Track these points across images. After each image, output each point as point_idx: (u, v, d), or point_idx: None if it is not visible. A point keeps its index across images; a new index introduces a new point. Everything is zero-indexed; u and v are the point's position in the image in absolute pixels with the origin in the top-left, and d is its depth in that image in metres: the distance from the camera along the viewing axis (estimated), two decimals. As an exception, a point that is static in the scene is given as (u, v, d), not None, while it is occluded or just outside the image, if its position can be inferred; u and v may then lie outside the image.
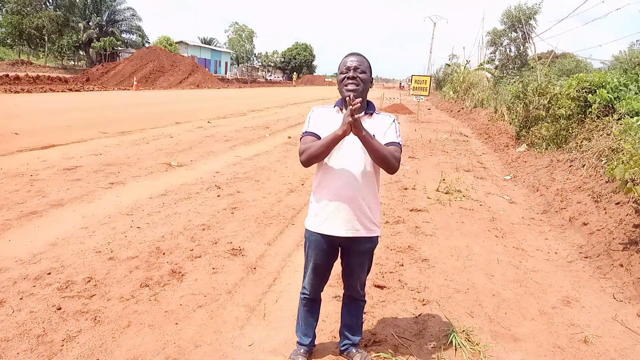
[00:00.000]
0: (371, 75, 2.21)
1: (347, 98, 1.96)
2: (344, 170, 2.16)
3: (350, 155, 2.15)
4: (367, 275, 2.45)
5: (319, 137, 2.16)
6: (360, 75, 2.14)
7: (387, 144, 2.15)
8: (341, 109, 2.20)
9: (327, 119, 2.21)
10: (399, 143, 2.18)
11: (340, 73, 2.19)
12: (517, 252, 4.41)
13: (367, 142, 2.01)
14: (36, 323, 2.63)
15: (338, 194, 2.17)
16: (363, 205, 2.20)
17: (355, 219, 2.19)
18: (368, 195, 2.21)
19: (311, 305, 2.49)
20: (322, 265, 2.33)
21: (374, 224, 2.27)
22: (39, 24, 41.39)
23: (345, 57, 2.21)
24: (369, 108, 2.24)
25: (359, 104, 1.92)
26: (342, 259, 2.37)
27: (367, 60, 2.21)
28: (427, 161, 9.04)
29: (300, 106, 22.53)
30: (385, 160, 2.07)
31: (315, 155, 2.11)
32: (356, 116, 1.92)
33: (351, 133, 2.00)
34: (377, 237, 2.33)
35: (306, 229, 2.33)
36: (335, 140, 2.04)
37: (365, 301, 2.56)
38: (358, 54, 2.21)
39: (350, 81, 2.13)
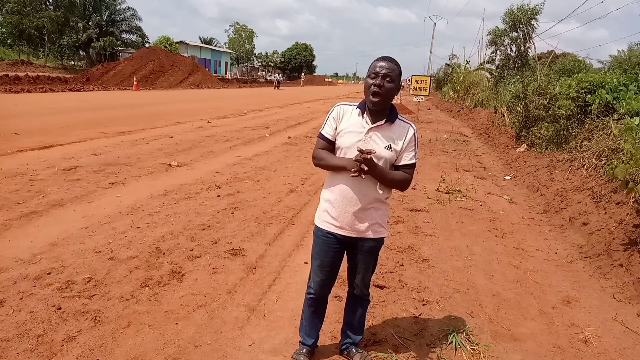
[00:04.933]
0: (400, 82, 2.16)
1: (358, 155, 2.03)
2: None
3: None
4: (372, 274, 2.46)
5: (330, 142, 2.24)
6: (387, 85, 2.09)
7: (403, 166, 2.21)
8: (363, 113, 2.20)
9: (347, 119, 2.22)
10: (414, 164, 2.24)
11: (368, 77, 2.15)
12: (517, 252, 4.41)
13: (380, 177, 2.15)
14: (36, 323, 2.63)
15: (346, 196, 2.19)
16: (370, 207, 2.22)
17: (363, 220, 2.22)
18: (376, 198, 2.22)
19: (317, 305, 2.48)
20: (328, 262, 2.33)
21: (381, 225, 2.28)
22: (39, 24, 41.25)
23: (377, 60, 2.15)
24: (391, 115, 2.20)
25: (368, 157, 2.02)
26: (348, 257, 2.39)
27: (398, 67, 2.14)
28: (427, 161, 9.04)
29: (301, 106, 22.53)
30: (397, 186, 2.24)
31: (325, 168, 2.28)
32: (369, 156, 2.02)
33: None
34: (384, 237, 2.34)
35: (315, 225, 2.35)
36: (344, 168, 2.16)
37: (369, 301, 2.57)
38: (390, 60, 2.14)
39: (374, 89, 2.09)
